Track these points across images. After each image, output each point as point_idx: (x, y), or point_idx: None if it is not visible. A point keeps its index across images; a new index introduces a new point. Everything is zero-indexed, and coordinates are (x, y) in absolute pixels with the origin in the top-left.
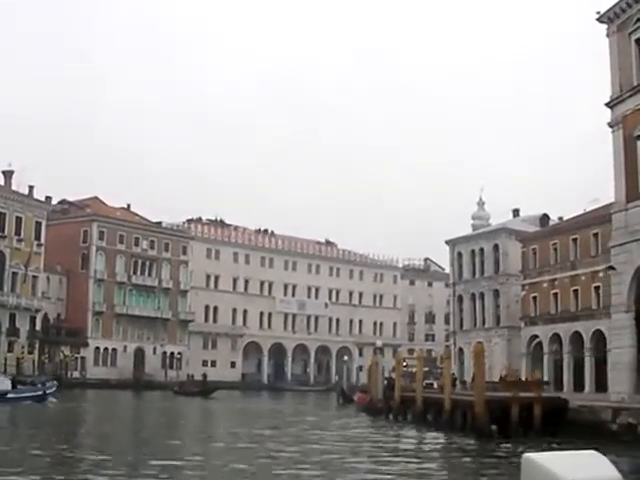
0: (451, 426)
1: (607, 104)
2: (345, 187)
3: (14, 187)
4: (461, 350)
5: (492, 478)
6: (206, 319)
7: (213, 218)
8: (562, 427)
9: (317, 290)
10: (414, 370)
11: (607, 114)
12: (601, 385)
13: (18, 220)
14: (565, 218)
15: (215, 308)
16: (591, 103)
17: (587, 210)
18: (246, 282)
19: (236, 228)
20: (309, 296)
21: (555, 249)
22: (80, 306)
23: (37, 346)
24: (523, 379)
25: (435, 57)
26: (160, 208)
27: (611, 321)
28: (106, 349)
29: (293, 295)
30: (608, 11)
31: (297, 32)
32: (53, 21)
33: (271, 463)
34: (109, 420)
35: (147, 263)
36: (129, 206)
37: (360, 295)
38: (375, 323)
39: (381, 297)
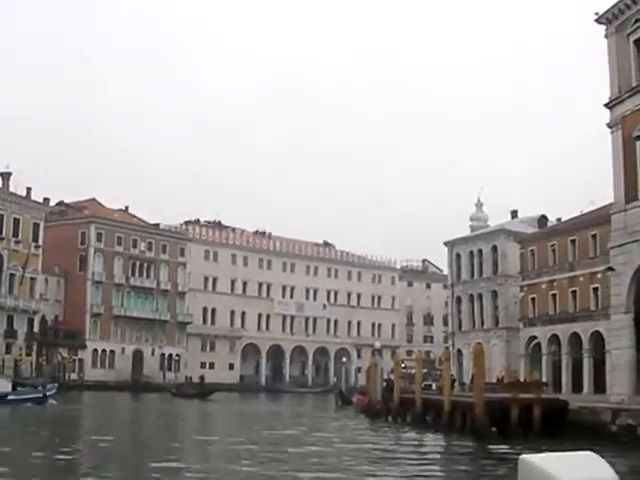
0: (450, 428)
1: (606, 105)
2: (344, 187)
3: (12, 189)
4: (460, 351)
5: None
6: (204, 321)
7: (211, 220)
8: (562, 428)
9: (315, 292)
10: (413, 372)
11: (606, 114)
12: (599, 386)
13: (16, 222)
14: (563, 219)
15: (213, 310)
16: (591, 103)
17: (585, 211)
18: (244, 284)
19: (234, 230)
20: (307, 298)
21: (553, 250)
22: (78, 308)
23: (35, 348)
24: (522, 380)
25: (435, 57)
26: (158, 210)
27: (610, 322)
28: (104, 351)
29: (291, 297)
30: (606, 12)
31: (297, 32)
32: (53, 21)
33: (269, 465)
34: (108, 422)
35: (145, 265)
36: (127, 208)
37: (358, 296)
38: (373, 324)
39: (379, 298)
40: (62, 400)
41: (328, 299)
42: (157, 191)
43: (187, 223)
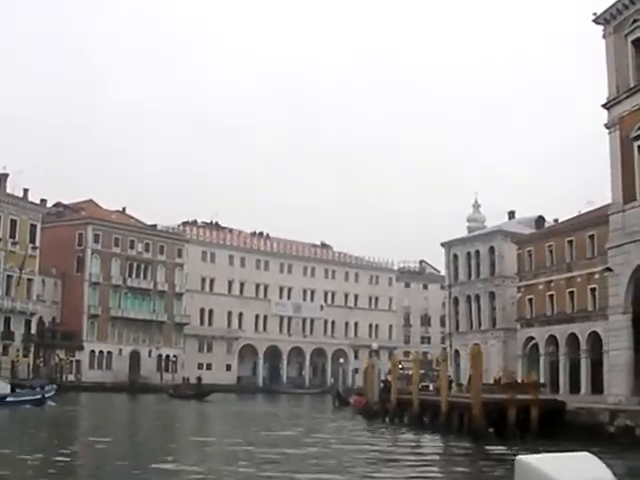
0: (448, 428)
1: (604, 105)
2: (343, 187)
3: (9, 190)
4: (457, 352)
5: None
6: (201, 322)
7: (208, 221)
8: (559, 429)
9: (312, 293)
10: (410, 373)
11: (605, 115)
12: (597, 387)
13: (13, 223)
14: (560, 220)
15: (210, 311)
16: (590, 103)
17: (582, 212)
18: (241, 285)
19: (231, 231)
20: (304, 299)
21: (551, 251)
22: (75, 309)
23: (32, 349)
24: (519, 381)
25: (435, 57)
26: (155, 211)
27: (608, 323)
28: (101, 352)
29: (288, 298)
30: (604, 12)
31: (297, 32)
32: (53, 21)
33: (267, 466)
34: (107, 424)
35: (142, 266)
36: (124, 209)
37: (355, 297)
38: (370, 325)
39: (376, 299)
40: (60, 401)
41: (325, 300)
42: (154, 192)
43: (184, 224)
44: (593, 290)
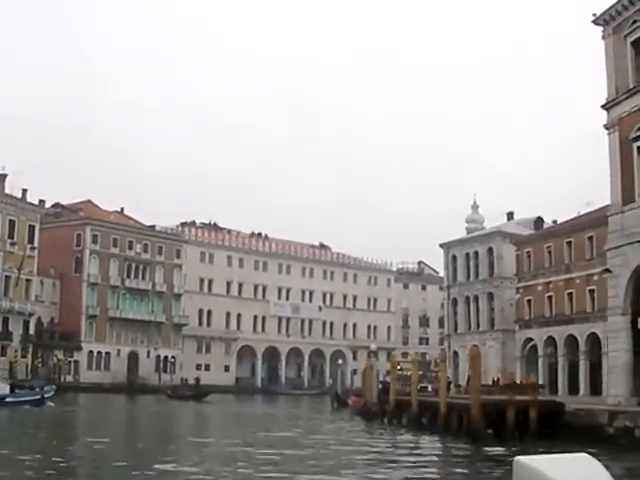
0: (446, 430)
1: (603, 106)
2: (343, 188)
3: (7, 190)
4: (455, 353)
5: None
6: (200, 323)
7: (207, 222)
8: (558, 431)
9: (311, 293)
10: (408, 374)
11: (604, 116)
12: (596, 388)
13: (11, 223)
14: (559, 221)
15: (209, 312)
16: (590, 104)
17: (581, 213)
18: (240, 286)
19: (230, 231)
20: (303, 299)
21: (549, 252)
22: (73, 310)
23: (30, 350)
24: (518, 382)
25: (435, 57)
26: (154, 211)
27: (607, 324)
28: (100, 353)
29: (287, 299)
30: (604, 13)
31: (297, 32)
32: (53, 21)
33: (265, 467)
34: (106, 424)
35: (141, 267)
36: (122, 209)
37: (354, 298)
38: (369, 326)
39: (375, 300)
40: (59, 402)
41: (324, 301)
42: (153, 193)
43: (183, 225)
44: (592, 291)
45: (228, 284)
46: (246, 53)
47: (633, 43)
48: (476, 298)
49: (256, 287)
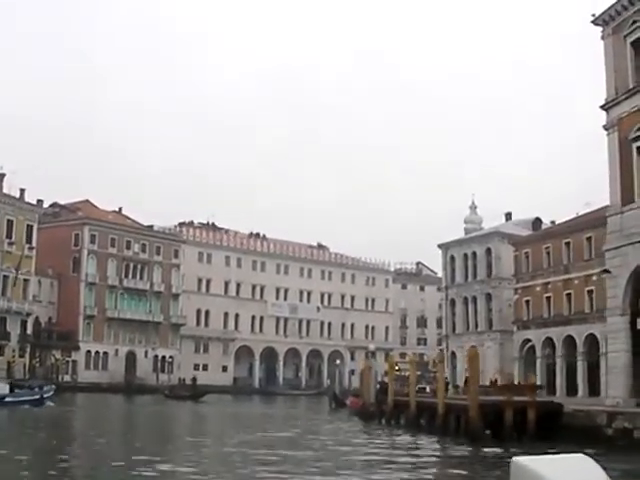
0: (444, 430)
1: (602, 106)
2: (343, 188)
3: (5, 190)
4: (453, 354)
5: None
6: (198, 323)
7: (205, 222)
8: (557, 432)
9: (309, 294)
10: (406, 374)
11: (604, 116)
12: (594, 389)
13: (9, 223)
14: (557, 222)
15: (207, 312)
16: (590, 104)
17: (580, 214)
18: (238, 286)
19: (228, 232)
20: (301, 300)
21: (548, 253)
22: (71, 310)
23: (28, 350)
24: (516, 383)
25: (435, 57)
26: (152, 211)
27: (606, 325)
28: (97, 353)
29: (285, 299)
30: (603, 14)
31: (297, 32)
32: (53, 21)
33: (262, 468)
34: (105, 424)
35: (139, 266)
36: (120, 209)
37: (352, 299)
38: (367, 327)
39: (373, 301)
40: (57, 402)
41: (322, 301)
42: (152, 193)
43: (181, 225)
44: (590, 292)
45: (226, 284)
46: (246, 53)
47: (633, 43)
48: (474, 299)
49: (254, 287)
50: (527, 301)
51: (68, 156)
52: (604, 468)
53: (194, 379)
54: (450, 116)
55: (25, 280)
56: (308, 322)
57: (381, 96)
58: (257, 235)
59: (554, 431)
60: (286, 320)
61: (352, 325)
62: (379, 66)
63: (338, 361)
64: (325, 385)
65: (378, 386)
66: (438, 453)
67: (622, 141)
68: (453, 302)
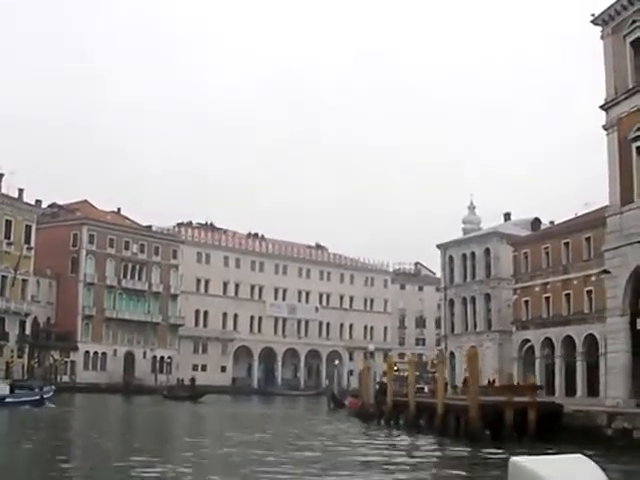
0: (444, 431)
1: (602, 107)
2: (343, 188)
3: (4, 190)
4: (452, 354)
5: None
6: (196, 323)
7: (203, 222)
8: (557, 432)
9: (308, 294)
10: (405, 374)
11: (604, 116)
12: (593, 390)
13: (8, 223)
14: (556, 222)
15: (205, 312)
16: (590, 104)
17: (579, 214)
18: (236, 286)
19: (226, 232)
20: (299, 300)
21: (547, 253)
22: (70, 310)
23: (27, 350)
24: (514, 383)
25: (435, 57)
26: (150, 212)
27: (606, 325)
28: (96, 353)
29: (283, 299)
30: (603, 13)
31: (297, 32)
32: (53, 21)
33: (259, 469)
34: (104, 425)
35: (137, 267)
36: (119, 210)
37: (351, 299)
38: (366, 327)
39: (372, 301)
40: (57, 402)
41: (320, 302)
42: (151, 193)
43: (179, 225)
44: (589, 292)
45: (225, 284)
46: (246, 53)
47: (632, 43)
48: (473, 299)
49: (253, 287)
50: (526, 301)
51: (67, 156)
52: (603, 469)
53: (193, 379)
54: (450, 116)
55: (24, 280)
56: (307, 322)
57: (381, 96)
58: (256, 235)
59: (554, 432)
60: (285, 320)
61: (351, 325)
62: (379, 66)
63: (337, 361)
64: (324, 385)
65: (377, 386)
66: (437, 454)
67: (621, 141)
68: (452, 302)
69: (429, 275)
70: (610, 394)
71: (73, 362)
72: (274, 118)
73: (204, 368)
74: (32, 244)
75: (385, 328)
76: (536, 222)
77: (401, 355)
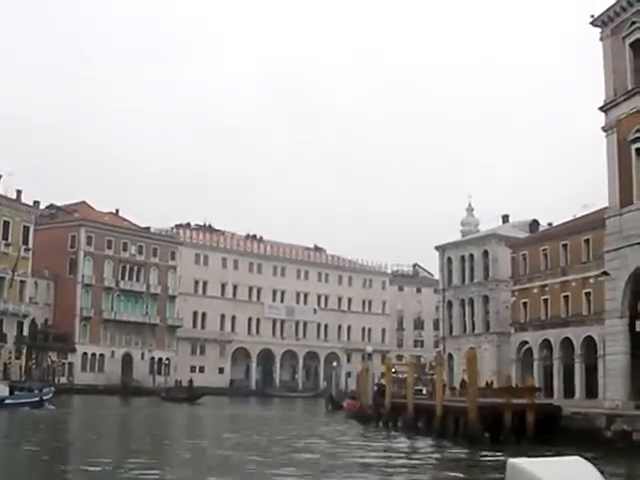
0: (442, 433)
1: (601, 108)
2: (342, 188)
3: (2, 191)
4: (450, 356)
5: None
6: (194, 325)
7: (202, 223)
8: (555, 434)
9: (306, 296)
10: (403, 376)
11: (603, 117)
12: (591, 392)
13: (6, 224)
14: (555, 224)
15: (203, 314)
16: (590, 105)
17: (577, 216)
18: (234, 288)
19: (224, 233)
20: (298, 302)
21: (545, 255)
22: (68, 311)
23: (24, 351)
24: (513, 385)
25: (435, 57)
26: (148, 213)
27: (605, 327)
28: (94, 355)
29: (282, 301)
30: (602, 15)
31: (297, 32)
32: (53, 21)
33: (258, 470)
34: (104, 427)
35: (135, 268)
36: (117, 211)
37: (349, 301)
38: (364, 329)
39: (370, 303)
40: (56, 404)
41: (318, 303)
42: (150, 194)
43: (178, 226)
44: (588, 294)
45: (223, 286)
46: (246, 53)
47: (632, 45)
48: (471, 301)
49: (251, 289)
50: (524, 303)
51: (66, 157)
52: (601, 471)
53: (191, 381)
54: (450, 116)
55: (21, 282)
56: (305, 324)
57: (381, 96)
58: (254, 237)
59: (553, 434)
60: (283, 322)
61: (349, 327)
62: (379, 66)
63: (335, 363)
64: (322, 387)
65: (375, 388)
66: (436, 455)
67: (621, 142)
68: (450, 304)
69: (427, 277)
70: (609, 396)
71: (71, 363)
72: (274, 118)
73: (202, 370)
74: (30, 245)
75: (383, 330)
76: (534, 224)
77: (399, 357)
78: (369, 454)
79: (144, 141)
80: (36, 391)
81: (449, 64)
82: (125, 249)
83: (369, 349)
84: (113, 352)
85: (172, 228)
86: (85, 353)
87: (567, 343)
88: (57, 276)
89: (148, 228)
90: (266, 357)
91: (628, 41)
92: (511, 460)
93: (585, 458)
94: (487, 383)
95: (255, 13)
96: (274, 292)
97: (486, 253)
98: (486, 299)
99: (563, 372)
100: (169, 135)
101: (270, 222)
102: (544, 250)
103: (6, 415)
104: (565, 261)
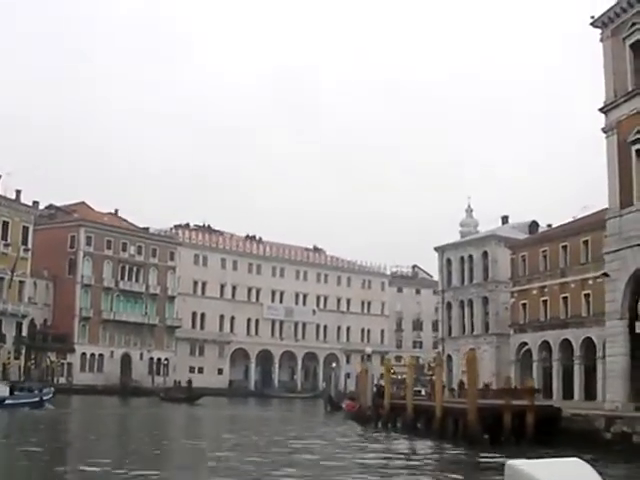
0: (442, 434)
1: (601, 109)
2: (342, 188)
3: (1, 191)
4: (449, 357)
5: None
6: (193, 325)
7: (201, 224)
8: (555, 436)
9: (305, 297)
10: (402, 377)
11: (603, 119)
12: (590, 393)
13: (5, 225)
14: (554, 225)
15: (202, 314)
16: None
17: (577, 217)
18: (234, 288)
19: (223, 234)
20: (297, 303)
21: (545, 256)
22: (67, 312)
23: (23, 352)
24: (512, 387)
25: (435, 57)
26: (147, 214)
27: (605, 328)
28: (93, 355)
29: (281, 302)
30: (602, 16)
31: (297, 32)
32: (53, 21)
33: (257, 471)
34: (103, 427)
35: (134, 269)
36: (116, 211)
37: (348, 302)
38: (363, 330)
39: (369, 304)
40: (55, 404)
41: (317, 304)
42: (150, 195)
43: (177, 227)
44: (587, 296)
45: (222, 287)
46: (246, 53)
47: (632, 46)
48: (470, 302)
49: (250, 290)
50: (524, 304)
51: (66, 156)
52: (600, 473)
53: (189, 382)
54: (450, 116)
55: (20, 282)
56: (304, 325)
57: (381, 96)
58: (253, 238)
59: (552, 435)
60: (282, 323)
61: (348, 328)
62: (379, 66)
63: (334, 364)
64: (321, 388)
65: (374, 389)
66: (435, 457)
67: (621, 144)
68: (449, 305)
69: (426, 278)
70: (609, 398)
71: (70, 364)
72: (274, 118)
73: (201, 370)
74: (29, 245)
75: (382, 331)
76: (534, 225)
77: (398, 358)
78: (368, 455)
79: (144, 141)
80: (36, 391)
81: (449, 64)
82: (124, 249)
83: (368, 350)
84: (112, 352)
85: (171, 228)
86: (84, 353)
87: (566, 344)
88: (56, 276)
89: (147, 228)
90: (265, 358)
91: (628, 42)
92: (509, 462)
93: (584, 460)
94: (485, 384)
95: (255, 13)
96: (273, 293)
97: (485, 254)
98: (485, 300)
99: (562, 373)
100: (169, 135)
101: (269, 222)
102: (543, 251)
103: (6, 415)
104: (564, 262)
